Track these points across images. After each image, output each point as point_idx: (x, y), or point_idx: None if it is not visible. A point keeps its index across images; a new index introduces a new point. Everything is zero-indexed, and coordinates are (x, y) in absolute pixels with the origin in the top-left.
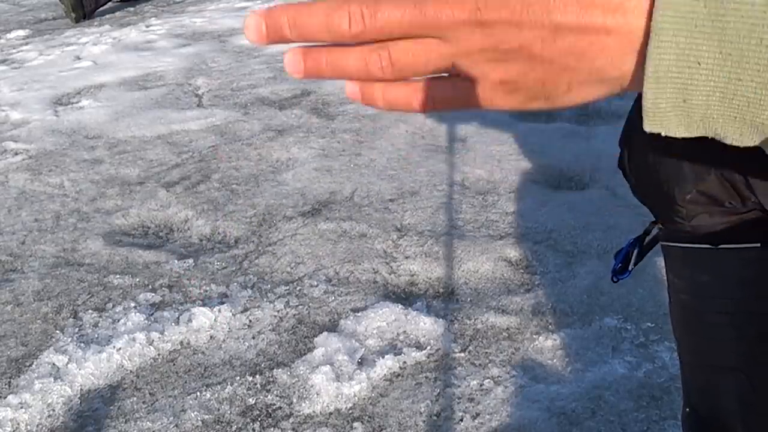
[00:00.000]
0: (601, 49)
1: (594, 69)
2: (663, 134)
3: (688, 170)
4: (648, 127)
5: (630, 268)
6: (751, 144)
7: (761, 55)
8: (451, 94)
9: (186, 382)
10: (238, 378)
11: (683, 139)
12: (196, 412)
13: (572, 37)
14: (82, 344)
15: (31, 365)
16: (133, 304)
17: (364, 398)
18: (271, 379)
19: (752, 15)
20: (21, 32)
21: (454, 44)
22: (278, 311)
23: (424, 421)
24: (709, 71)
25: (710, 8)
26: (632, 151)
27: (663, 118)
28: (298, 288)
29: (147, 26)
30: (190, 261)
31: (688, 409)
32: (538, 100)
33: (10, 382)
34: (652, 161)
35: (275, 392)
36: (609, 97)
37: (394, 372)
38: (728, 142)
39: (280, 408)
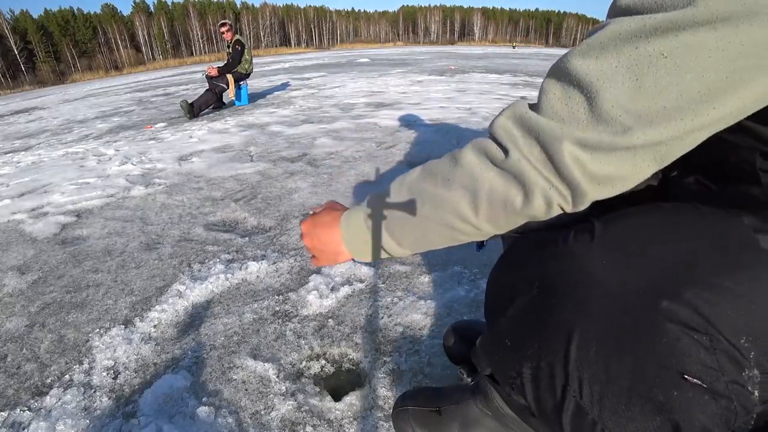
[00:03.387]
0: (336, 252)
1: (333, 255)
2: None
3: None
4: (355, 258)
5: (485, 244)
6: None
7: (361, 237)
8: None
9: (244, 299)
10: (270, 297)
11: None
12: (249, 314)
13: (328, 252)
14: (193, 280)
15: (167, 291)
16: (218, 260)
17: (334, 307)
18: (287, 297)
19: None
20: (162, 124)
21: (305, 239)
22: (290, 263)
23: (363, 319)
24: (359, 245)
25: (355, 229)
26: None
27: (356, 254)
28: (300, 252)
29: (224, 121)
30: (246, 239)
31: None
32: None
33: (156, 299)
34: None
35: (289, 304)
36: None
37: (349, 294)
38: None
39: (291, 312)
